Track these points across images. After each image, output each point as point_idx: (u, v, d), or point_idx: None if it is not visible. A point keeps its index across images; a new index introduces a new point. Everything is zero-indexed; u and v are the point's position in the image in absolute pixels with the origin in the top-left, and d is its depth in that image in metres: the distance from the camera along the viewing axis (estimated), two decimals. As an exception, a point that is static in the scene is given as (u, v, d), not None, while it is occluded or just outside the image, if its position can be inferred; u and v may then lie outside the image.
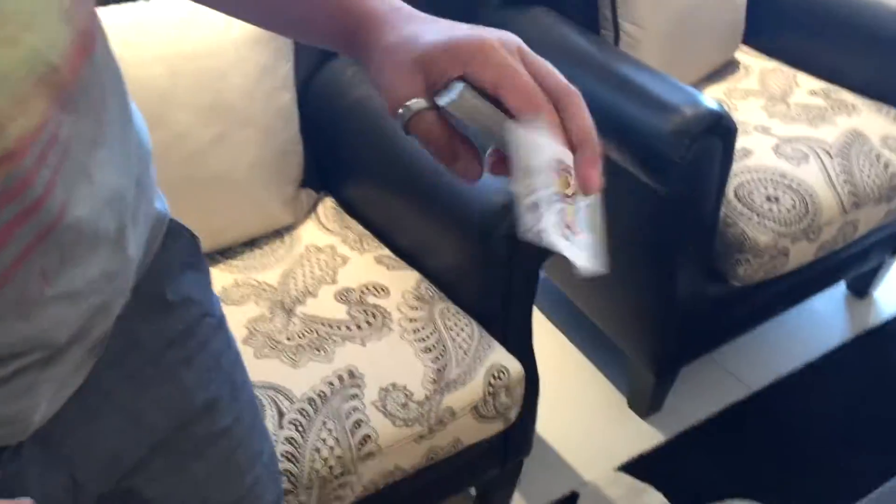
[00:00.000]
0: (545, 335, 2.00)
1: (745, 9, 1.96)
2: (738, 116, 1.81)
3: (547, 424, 1.76)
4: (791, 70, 1.99)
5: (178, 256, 0.69)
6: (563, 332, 2.01)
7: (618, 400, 1.87)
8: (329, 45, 0.63)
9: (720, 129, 1.45)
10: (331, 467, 1.15)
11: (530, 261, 1.32)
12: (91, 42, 0.50)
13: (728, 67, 2.01)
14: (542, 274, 1.38)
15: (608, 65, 1.59)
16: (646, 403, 1.81)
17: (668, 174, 1.47)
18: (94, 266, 0.53)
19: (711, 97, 1.58)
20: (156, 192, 0.65)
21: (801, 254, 1.64)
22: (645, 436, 1.80)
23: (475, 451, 1.34)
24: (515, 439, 1.42)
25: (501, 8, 1.76)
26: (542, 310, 2.05)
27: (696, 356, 1.78)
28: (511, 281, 1.32)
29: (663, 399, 1.82)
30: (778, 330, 2.02)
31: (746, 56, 2.05)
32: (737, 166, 1.64)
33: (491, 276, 1.33)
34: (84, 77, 0.48)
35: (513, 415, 1.33)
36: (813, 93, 1.90)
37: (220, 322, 0.74)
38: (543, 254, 1.32)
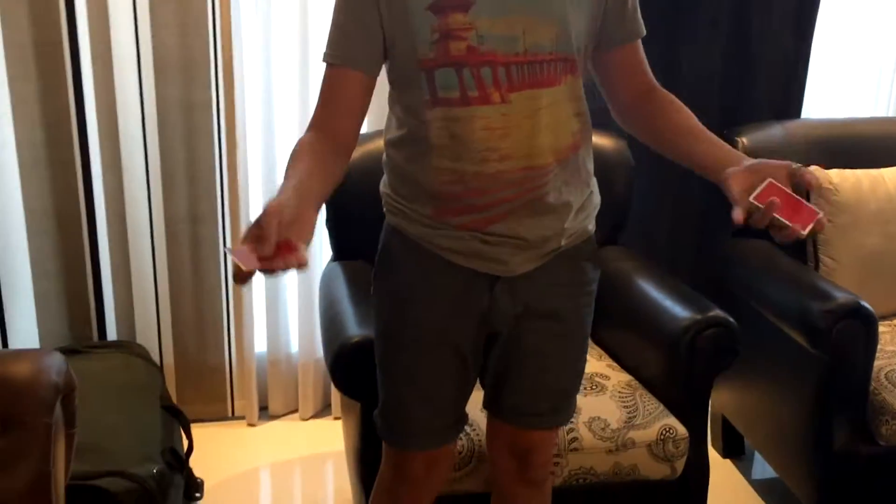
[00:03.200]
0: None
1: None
2: (912, 336, 2.40)
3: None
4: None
5: (588, 251, 1.62)
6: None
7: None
8: (693, 168, 1.48)
9: (860, 315, 2.11)
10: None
11: (707, 367, 2.04)
12: (579, 145, 1.49)
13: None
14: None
15: (803, 277, 2.33)
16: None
17: (824, 344, 2.14)
18: (547, 223, 1.47)
19: None
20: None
21: (939, 428, 2.15)
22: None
23: (649, 486, 2.01)
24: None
25: (733, 236, 2.56)
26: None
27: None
28: (690, 379, 2.05)
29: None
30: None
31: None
32: (893, 361, 2.24)
33: (677, 375, 2.07)
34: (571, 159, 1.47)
35: (678, 466, 2.00)
36: (985, 332, 2.43)
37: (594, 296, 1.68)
38: (717, 364, 2.04)
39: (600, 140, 2.42)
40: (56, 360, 1.46)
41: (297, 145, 1.44)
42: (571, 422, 1.96)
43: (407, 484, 1.72)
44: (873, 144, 2.64)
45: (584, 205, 1.59)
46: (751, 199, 1.31)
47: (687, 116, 1.53)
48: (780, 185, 1.33)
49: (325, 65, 1.47)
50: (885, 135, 2.68)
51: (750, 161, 1.38)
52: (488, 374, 1.69)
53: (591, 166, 1.60)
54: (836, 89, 3.08)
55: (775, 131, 2.62)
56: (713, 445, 2.78)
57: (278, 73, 2.63)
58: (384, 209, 1.62)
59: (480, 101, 1.42)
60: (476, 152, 1.44)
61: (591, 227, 1.64)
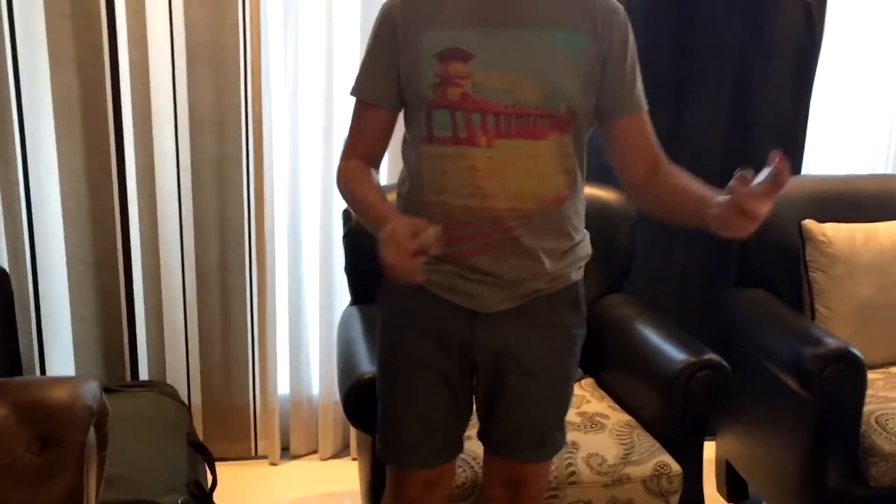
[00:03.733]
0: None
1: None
2: (904, 383, 2.50)
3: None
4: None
5: (570, 298, 1.74)
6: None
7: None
8: (686, 224, 1.60)
9: (849, 359, 2.22)
10: (550, 480, 2.03)
11: (701, 407, 2.15)
12: (564, 199, 1.64)
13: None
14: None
15: (796, 325, 2.44)
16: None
17: (815, 387, 2.24)
18: (525, 265, 1.62)
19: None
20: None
21: (928, 471, 2.24)
22: None
23: (645, 521, 2.11)
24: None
25: (733, 286, 2.69)
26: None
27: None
28: (684, 418, 2.16)
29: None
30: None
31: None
32: (884, 407, 2.34)
33: (672, 414, 2.18)
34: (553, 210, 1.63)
35: (673, 502, 2.11)
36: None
37: (577, 341, 1.78)
38: (710, 404, 2.15)
39: (603, 193, 2.59)
40: (92, 387, 1.61)
41: (344, 170, 1.72)
42: (570, 457, 2.08)
43: (406, 504, 1.85)
44: (869, 200, 2.76)
45: (567, 254, 1.72)
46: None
47: (688, 181, 1.65)
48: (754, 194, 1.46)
49: (352, 106, 1.74)
50: (880, 191, 2.80)
51: (720, 197, 1.50)
52: (479, 407, 1.82)
53: (578, 222, 1.74)
54: (838, 148, 3.21)
55: (774, 187, 2.75)
56: (718, 491, 2.87)
57: (304, 129, 2.82)
58: None
59: (468, 143, 1.60)
60: (461, 188, 1.61)
61: (576, 276, 1.76)
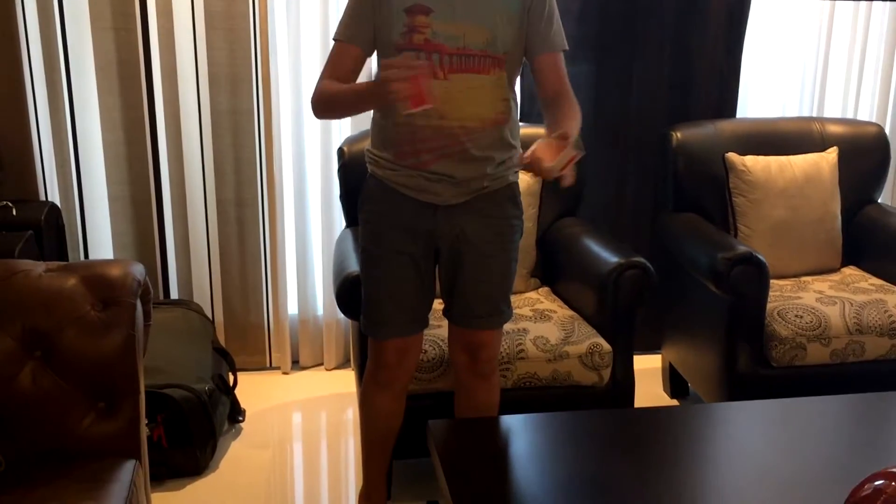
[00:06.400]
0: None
1: (841, 236, 3.13)
2: (809, 287, 2.96)
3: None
4: (880, 281, 3.06)
5: (509, 195, 2.23)
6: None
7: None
8: None
9: (752, 261, 2.70)
10: (503, 355, 2.52)
11: (628, 299, 2.63)
12: (501, 122, 2.15)
13: (831, 271, 3.15)
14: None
15: (716, 238, 2.92)
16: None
17: (725, 285, 2.72)
18: (473, 167, 2.12)
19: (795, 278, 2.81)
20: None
21: (818, 353, 2.72)
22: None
23: (582, 391, 2.60)
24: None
25: (672, 212, 3.16)
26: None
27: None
28: (615, 309, 2.64)
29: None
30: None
31: (853, 270, 3.17)
32: (786, 303, 2.81)
33: (606, 306, 2.66)
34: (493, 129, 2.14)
35: (605, 375, 2.60)
36: (873, 285, 2.99)
37: (517, 229, 2.27)
38: (637, 298, 2.63)
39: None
40: (139, 267, 2.11)
41: (320, 87, 2.17)
42: (520, 338, 2.57)
43: (383, 369, 2.35)
44: (786, 138, 3.23)
45: (506, 161, 2.21)
46: (523, 156, 1.93)
47: (564, 113, 2.15)
48: (545, 143, 1.95)
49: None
50: (798, 130, 3.27)
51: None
52: (442, 286, 2.32)
53: (513, 139, 2.23)
54: (771, 94, 3.69)
55: (707, 129, 3.22)
56: (664, 390, 3.36)
57: (305, 85, 3.31)
58: (366, 162, 2.28)
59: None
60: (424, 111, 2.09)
61: (513, 178, 2.26)
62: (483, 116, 2.14)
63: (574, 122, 2.12)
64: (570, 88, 2.23)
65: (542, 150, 1.92)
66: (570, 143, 1.94)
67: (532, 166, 1.91)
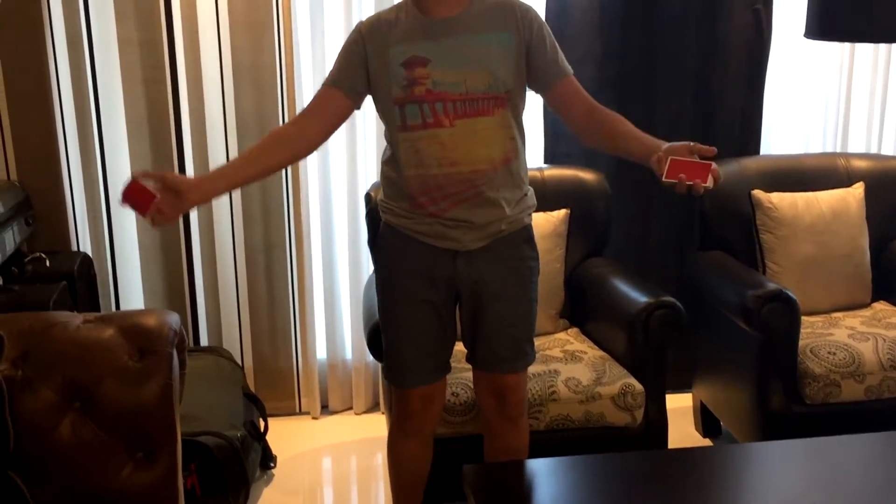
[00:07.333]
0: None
1: (870, 271, 3.12)
2: (840, 323, 2.95)
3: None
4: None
5: (525, 237, 2.24)
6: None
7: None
8: (633, 160, 2.11)
9: (783, 298, 2.69)
10: (534, 397, 2.52)
11: (658, 339, 2.63)
12: (510, 160, 2.15)
13: (862, 307, 3.14)
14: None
15: (745, 276, 2.91)
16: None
17: (756, 323, 2.72)
18: (490, 211, 2.14)
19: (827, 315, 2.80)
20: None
21: (852, 390, 2.70)
22: None
23: (615, 432, 2.59)
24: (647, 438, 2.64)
25: (699, 250, 3.17)
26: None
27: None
28: (646, 348, 2.64)
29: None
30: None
31: (884, 305, 3.16)
32: (818, 340, 2.80)
33: (636, 346, 2.66)
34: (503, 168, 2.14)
35: (638, 415, 2.59)
36: (906, 321, 2.97)
37: (535, 270, 2.27)
38: (666, 337, 2.63)
39: (582, 173, 3.10)
40: (174, 317, 2.13)
41: (272, 132, 2.26)
42: (552, 380, 2.57)
43: (409, 418, 2.35)
44: (812, 173, 3.23)
45: (520, 202, 2.23)
46: (663, 179, 1.93)
47: (622, 122, 2.15)
48: (679, 158, 1.94)
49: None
50: (822, 166, 3.27)
51: (666, 145, 2.00)
52: (464, 331, 2.33)
53: (524, 176, 2.24)
54: (793, 132, 3.70)
55: (731, 166, 3.22)
56: (696, 429, 3.34)
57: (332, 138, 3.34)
58: (379, 211, 2.30)
59: (435, 126, 2.10)
60: (433, 160, 2.11)
61: (527, 220, 2.27)
62: (493, 157, 2.15)
63: (637, 129, 2.13)
64: (595, 101, 2.23)
65: (684, 169, 1.91)
66: (694, 152, 1.94)
67: (694, 189, 1.91)
